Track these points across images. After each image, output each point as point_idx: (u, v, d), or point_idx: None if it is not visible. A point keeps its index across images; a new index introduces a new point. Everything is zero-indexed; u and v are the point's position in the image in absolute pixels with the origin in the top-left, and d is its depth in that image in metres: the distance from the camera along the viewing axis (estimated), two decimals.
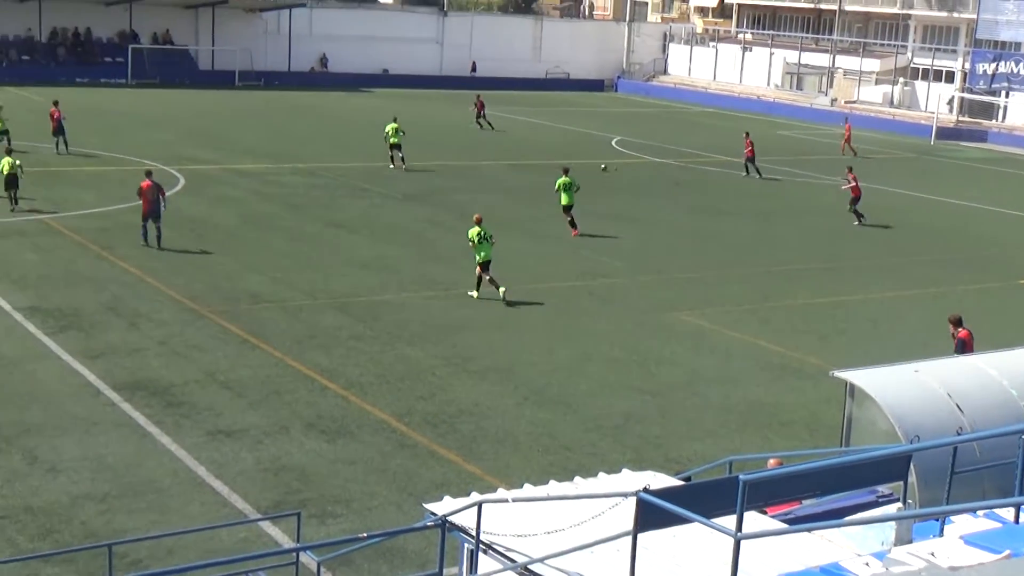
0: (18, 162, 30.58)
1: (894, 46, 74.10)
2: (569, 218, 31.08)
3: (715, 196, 39.29)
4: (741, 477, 6.96)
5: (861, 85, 72.66)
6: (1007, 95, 66.41)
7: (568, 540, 8.55)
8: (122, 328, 21.22)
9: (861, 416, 12.38)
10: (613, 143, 51.66)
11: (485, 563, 9.13)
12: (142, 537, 13.02)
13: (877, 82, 72.75)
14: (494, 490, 11.04)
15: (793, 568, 7.87)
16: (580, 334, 22.33)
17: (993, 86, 66.37)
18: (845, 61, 74.68)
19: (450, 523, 9.60)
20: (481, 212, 25.86)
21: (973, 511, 8.47)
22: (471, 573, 9.32)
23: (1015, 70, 65.13)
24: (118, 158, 39.48)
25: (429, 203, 34.68)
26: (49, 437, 16.18)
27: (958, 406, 11.95)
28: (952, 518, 8.49)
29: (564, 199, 31.11)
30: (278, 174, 38.49)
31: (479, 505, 9.19)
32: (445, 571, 10.35)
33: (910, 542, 7.98)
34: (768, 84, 76.89)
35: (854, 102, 71.02)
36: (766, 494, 8.24)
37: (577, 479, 10.76)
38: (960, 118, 67.17)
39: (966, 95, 67.54)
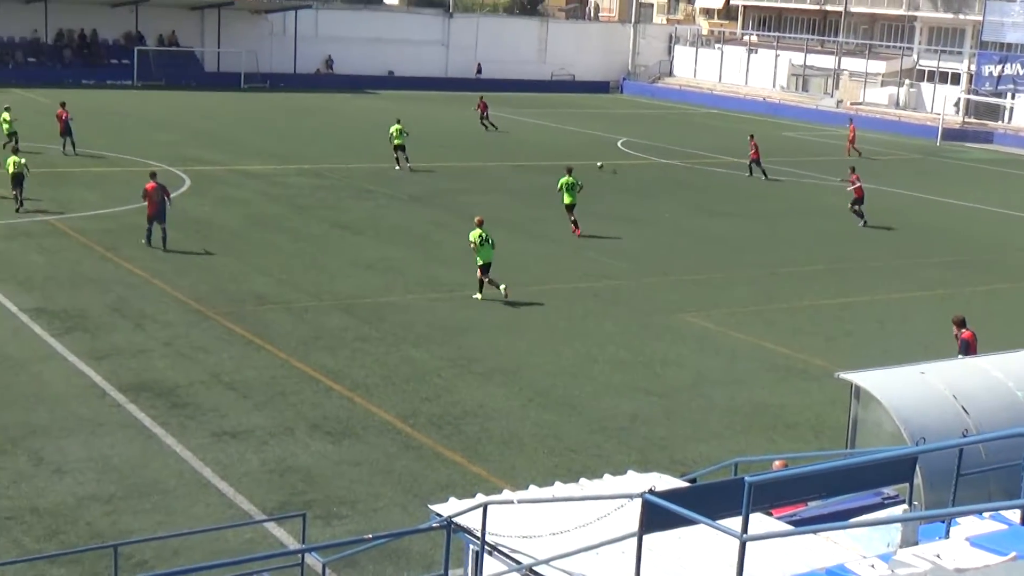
0: (24, 161, 30.71)
1: (900, 48, 73.98)
2: (571, 218, 31.10)
3: (720, 197, 39.28)
4: (747, 479, 6.95)
5: (867, 87, 72.61)
6: (1013, 97, 66.37)
7: (573, 541, 8.54)
8: (128, 329, 21.25)
9: (867, 418, 12.35)
10: (619, 144, 51.66)
11: (490, 564, 9.11)
12: (148, 538, 13.05)
13: (883, 84, 72.70)
14: (499, 491, 11.02)
15: (799, 570, 7.85)
16: (585, 335, 22.33)
17: (999, 88, 66.28)
18: (851, 63, 74.58)
19: (455, 524, 9.58)
20: (486, 214, 25.89)
21: (979, 513, 8.45)
22: (476, 574, 9.31)
23: (1021, 72, 65.01)
24: (124, 159, 39.56)
25: (434, 204, 34.70)
26: (55, 438, 16.21)
27: (964, 408, 11.92)
28: (958, 520, 8.48)
29: (567, 199, 31.12)
30: (283, 175, 38.53)
31: (484, 506, 9.17)
32: (450, 572, 10.35)
33: (916, 544, 7.98)
34: (774, 86, 76.87)
35: (860, 104, 70.99)
36: (772, 496, 8.22)
37: (582, 480, 10.75)
38: (966, 119, 67.12)
39: (972, 97, 67.48)
